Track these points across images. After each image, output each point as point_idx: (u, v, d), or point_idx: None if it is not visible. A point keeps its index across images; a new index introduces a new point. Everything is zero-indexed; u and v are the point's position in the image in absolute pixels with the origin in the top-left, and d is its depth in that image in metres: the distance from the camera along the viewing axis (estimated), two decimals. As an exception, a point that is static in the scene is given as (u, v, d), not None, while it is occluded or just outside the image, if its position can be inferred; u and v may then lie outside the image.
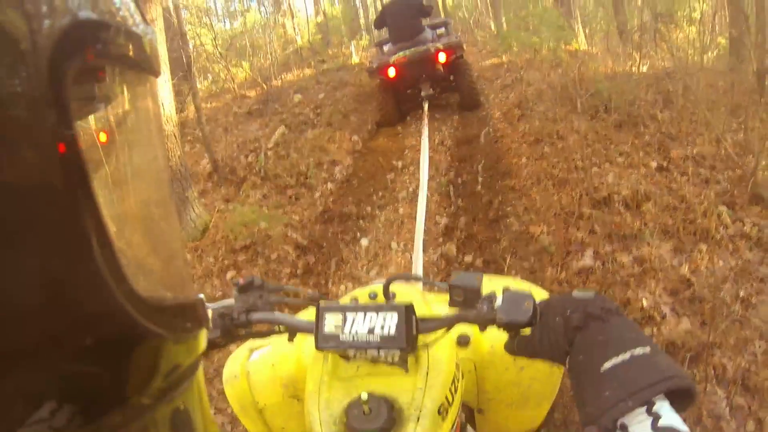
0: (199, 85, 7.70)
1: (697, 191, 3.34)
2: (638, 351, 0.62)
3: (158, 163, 0.51)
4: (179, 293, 0.51)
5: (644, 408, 0.58)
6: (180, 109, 7.28)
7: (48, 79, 0.29)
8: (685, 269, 2.77)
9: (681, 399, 0.60)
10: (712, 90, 4.94)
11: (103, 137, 0.42)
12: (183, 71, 6.39)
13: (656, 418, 0.57)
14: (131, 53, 0.39)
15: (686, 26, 7.90)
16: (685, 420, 0.57)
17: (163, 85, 4.27)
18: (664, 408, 0.58)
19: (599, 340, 0.66)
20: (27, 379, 0.30)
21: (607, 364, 0.62)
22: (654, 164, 3.84)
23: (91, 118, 0.40)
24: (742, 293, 2.55)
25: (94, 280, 0.32)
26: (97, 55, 0.35)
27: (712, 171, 3.57)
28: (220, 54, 9.96)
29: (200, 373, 0.51)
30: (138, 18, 0.41)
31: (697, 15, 8.10)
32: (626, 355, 0.62)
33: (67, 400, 0.32)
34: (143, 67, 0.42)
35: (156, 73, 0.45)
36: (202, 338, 0.51)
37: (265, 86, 8.66)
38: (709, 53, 6.91)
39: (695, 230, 3.00)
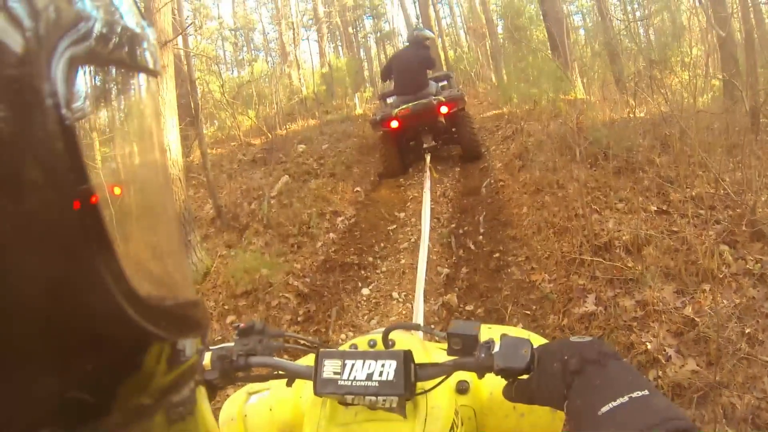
0: (205, 131, 7.84)
1: (697, 232, 3.33)
2: (636, 394, 0.61)
3: (157, 162, 0.51)
4: (179, 294, 0.51)
5: None
6: (186, 154, 7.40)
7: (47, 77, 0.30)
8: (688, 310, 2.74)
9: None
10: (708, 132, 4.97)
11: (103, 138, 0.42)
12: (190, 117, 6.51)
13: None
14: (131, 54, 0.40)
15: (680, 71, 8.02)
16: None
17: (171, 129, 4.37)
18: None
19: (597, 384, 0.66)
20: (26, 379, 0.30)
21: (605, 408, 0.62)
22: (654, 208, 3.85)
23: (92, 117, 0.41)
24: (747, 330, 2.52)
25: (94, 281, 0.32)
26: (97, 55, 0.36)
27: (711, 211, 3.57)
28: (227, 101, 10.19)
29: (200, 375, 0.51)
30: (138, 18, 0.42)
31: (689, 59, 8.26)
32: (624, 399, 0.61)
33: (67, 400, 0.32)
34: (143, 67, 0.43)
35: (155, 74, 0.46)
36: (202, 340, 0.51)
37: (269, 135, 8.79)
38: (704, 96, 7.01)
39: (697, 271, 2.98)
